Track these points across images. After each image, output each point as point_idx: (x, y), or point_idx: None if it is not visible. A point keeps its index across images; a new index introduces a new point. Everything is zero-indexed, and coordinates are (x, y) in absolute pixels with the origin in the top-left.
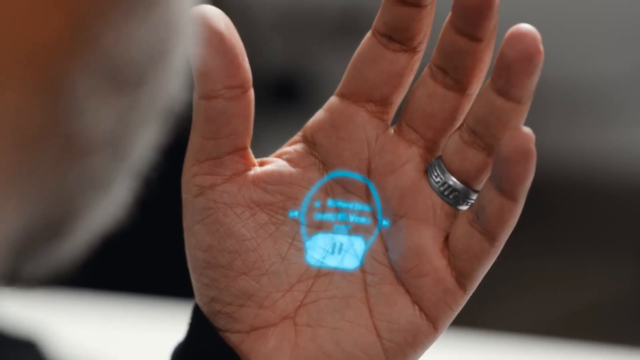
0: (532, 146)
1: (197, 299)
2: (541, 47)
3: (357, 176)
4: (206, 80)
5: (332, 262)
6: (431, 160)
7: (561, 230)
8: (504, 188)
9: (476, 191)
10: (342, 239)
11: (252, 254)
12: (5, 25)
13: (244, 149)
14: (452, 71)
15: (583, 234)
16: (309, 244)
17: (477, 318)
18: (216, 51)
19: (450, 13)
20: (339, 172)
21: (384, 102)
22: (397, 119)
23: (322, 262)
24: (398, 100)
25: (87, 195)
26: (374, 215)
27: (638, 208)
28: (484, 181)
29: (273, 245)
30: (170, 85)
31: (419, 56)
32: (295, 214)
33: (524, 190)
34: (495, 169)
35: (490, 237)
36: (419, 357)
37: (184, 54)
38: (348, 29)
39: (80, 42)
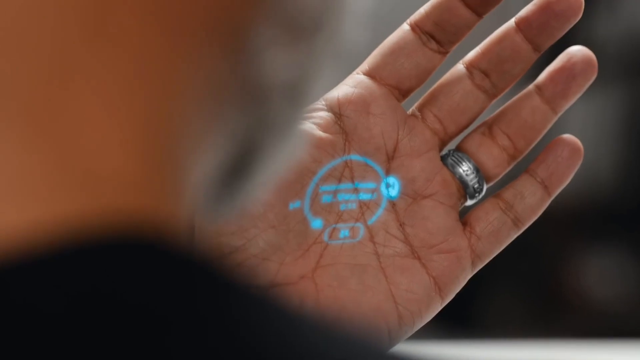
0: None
1: (209, 249)
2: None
3: (371, 163)
4: None
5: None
6: (445, 151)
7: None
8: (551, 183)
9: (485, 186)
10: (349, 215)
11: (284, 210)
12: None
13: None
14: (497, 76)
15: None
16: (314, 224)
17: None
18: None
19: (519, 19)
20: (357, 157)
21: (406, 92)
22: (419, 107)
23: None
24: (412, 93)
25: (266, 139)
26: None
27: None
28: (498, 177)
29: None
30: (346, 28)
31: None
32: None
33: (562, 188)
34: (546, 166)
35: (520, 224)
36: (417, 328)
37: None
38: None
39: None
